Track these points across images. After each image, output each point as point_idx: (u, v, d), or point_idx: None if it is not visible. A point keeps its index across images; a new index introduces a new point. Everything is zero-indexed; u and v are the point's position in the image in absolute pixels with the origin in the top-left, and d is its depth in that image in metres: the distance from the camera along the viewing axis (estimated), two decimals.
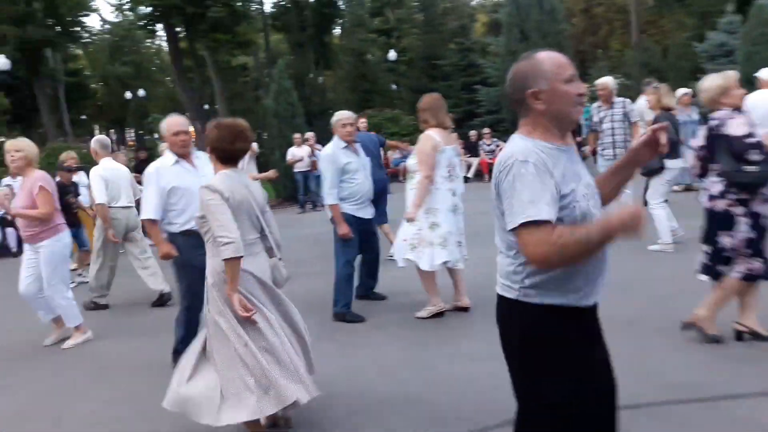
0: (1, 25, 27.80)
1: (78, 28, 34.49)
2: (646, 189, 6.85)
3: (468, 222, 5.30)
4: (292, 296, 3.53)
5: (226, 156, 3.31)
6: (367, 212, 5.35)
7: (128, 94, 39.36)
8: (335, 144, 5.24)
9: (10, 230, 11.23)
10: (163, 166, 4.32)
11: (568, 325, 1.99)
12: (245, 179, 3.43)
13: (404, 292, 5.86)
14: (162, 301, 6.40)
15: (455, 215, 4.95)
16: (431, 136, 4.81)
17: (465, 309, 5.12)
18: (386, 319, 5.30)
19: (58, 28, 31.60)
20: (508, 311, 2.07)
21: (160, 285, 6.43)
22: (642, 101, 8.18)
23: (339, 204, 5.12)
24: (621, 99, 7.37)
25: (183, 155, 4.30)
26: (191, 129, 4.60)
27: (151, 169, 4.37)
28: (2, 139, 20.25)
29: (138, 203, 6.02)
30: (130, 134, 48.39)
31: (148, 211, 4.27)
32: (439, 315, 5.07)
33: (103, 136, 7.79)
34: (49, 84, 33.72)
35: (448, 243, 4.83)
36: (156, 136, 46.55)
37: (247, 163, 10.54)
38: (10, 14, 27.63)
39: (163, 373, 3.78)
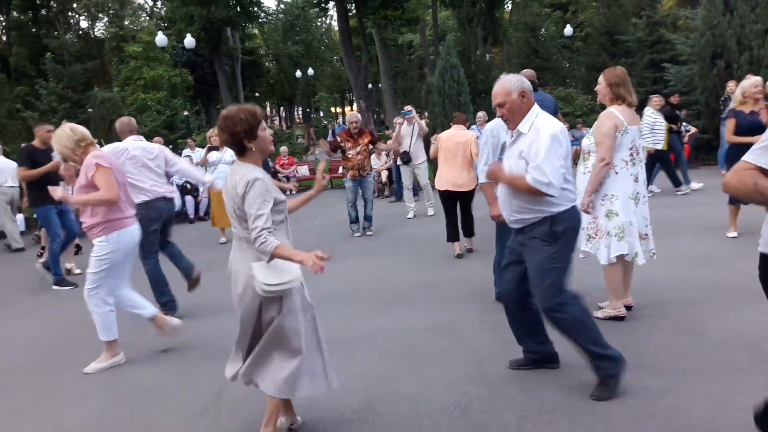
0: (190, 6, 29.92)
1: (256, 9, 36.34)
2: None
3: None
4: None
5: None
6: None
7: (298, 73, 40.90)
8: (497, 120, 4.54)
9: (188, 198, 11.88)
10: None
11: None
12: None
13: (596, 288, 4.85)
14: None
15: (637, 204, 4.36)
16: (614, 114, 4.25)
17: (628, 308, 4.59)
18: None
19: (239, 8, 33.37)
20: None
21: None
22: None
23: (492, 183, 4.61)
24: None
25: None
26: None
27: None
28: (186, 113, 21.58)
29: None
30: (299, 112, 50.44)
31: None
32: (618, 319, 4.45)
33: None
34: (227, 62, 35.90)
35: (627, 234, 4.30)
36: (321, 113, 48.37)
37: (413, 144, 9.97)
38: None
39: None
